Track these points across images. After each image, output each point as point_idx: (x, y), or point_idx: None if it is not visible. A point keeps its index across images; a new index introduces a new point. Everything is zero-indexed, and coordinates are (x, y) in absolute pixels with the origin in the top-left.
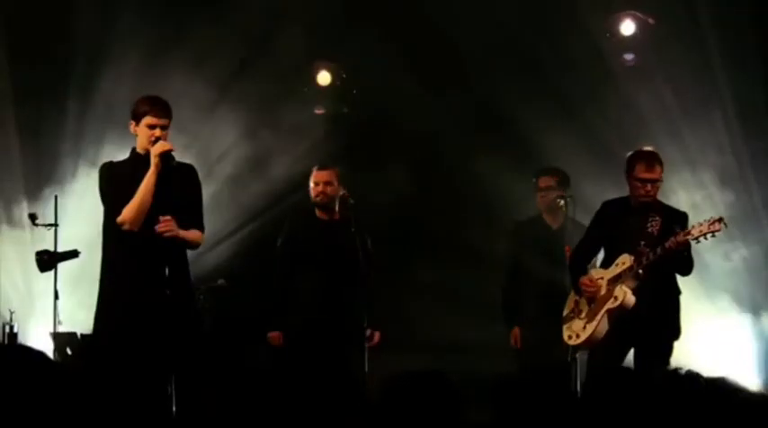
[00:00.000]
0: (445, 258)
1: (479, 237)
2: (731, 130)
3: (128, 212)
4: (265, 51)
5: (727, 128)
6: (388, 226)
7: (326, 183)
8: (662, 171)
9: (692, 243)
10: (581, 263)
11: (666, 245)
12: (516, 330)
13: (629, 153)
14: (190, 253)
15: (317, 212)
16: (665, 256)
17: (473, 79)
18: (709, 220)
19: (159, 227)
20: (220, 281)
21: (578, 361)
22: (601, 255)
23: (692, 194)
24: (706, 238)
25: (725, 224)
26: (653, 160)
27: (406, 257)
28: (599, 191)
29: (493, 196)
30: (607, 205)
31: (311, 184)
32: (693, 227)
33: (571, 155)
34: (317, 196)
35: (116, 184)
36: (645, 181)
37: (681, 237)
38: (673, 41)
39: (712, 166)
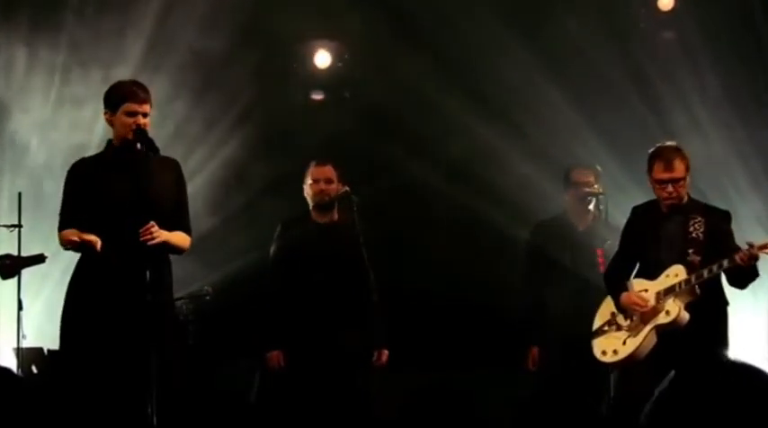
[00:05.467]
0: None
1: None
2: None
3: (66, 242)
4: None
5: None
6: (389, 226)
7: (327, 181)
8: (686, 168)
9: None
10: (620, 279)
11: (737, 257)
12: (534, 350)
13: (651, 150)
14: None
15: (314, 215)
16: (730, 270)
17: (483, 65)
18: None
19: (143, 237)
20: (205, 288)
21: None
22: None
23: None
24: None
25: None
26: (672, 157)
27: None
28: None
29: (514, 195)
30: (637, 211)
31: (309, 182)
32: None
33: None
34: (316, 195)
35: (72, 191)
36: (665, 181)
37: (756, 251)
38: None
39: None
